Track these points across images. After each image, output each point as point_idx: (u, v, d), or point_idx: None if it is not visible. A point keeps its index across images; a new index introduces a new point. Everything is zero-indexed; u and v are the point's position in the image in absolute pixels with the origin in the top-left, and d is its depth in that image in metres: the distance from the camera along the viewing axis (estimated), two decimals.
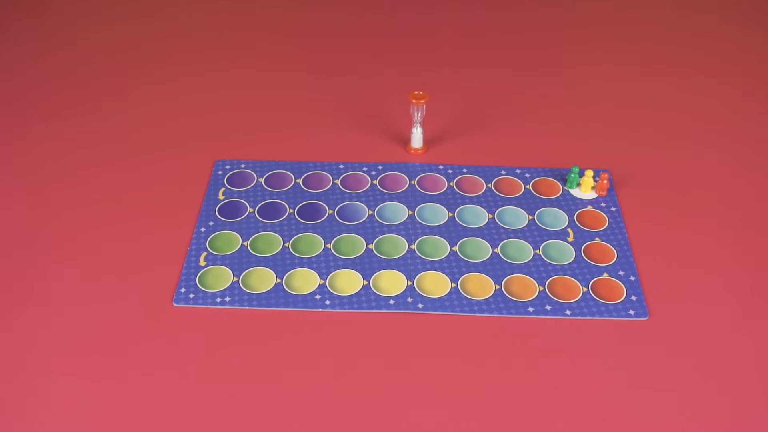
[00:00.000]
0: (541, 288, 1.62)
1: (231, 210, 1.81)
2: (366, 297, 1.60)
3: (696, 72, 2.35)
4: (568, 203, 1.83)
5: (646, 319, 1.55)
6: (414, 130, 1.95)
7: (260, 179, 1.90)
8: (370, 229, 1.76)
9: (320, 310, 1.57)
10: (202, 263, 1.67)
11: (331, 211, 1.81)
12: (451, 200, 1.84)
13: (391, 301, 1.59)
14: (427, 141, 2.01)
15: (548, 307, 1.58)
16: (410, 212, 1.81)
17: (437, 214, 1.80)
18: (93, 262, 1.67)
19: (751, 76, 2.34)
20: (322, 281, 1.63)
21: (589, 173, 1.83)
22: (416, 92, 1.89)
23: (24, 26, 2.56)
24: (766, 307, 1.59)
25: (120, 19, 2.59)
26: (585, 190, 1.85)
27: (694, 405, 1.40)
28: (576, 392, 1.42)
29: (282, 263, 1.67)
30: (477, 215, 1.80)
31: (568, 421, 1.37)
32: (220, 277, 1.64)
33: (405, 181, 1.89)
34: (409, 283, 1.63)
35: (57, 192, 1.86)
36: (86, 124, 2.09)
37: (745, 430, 1.36)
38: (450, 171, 1.92)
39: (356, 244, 1.72)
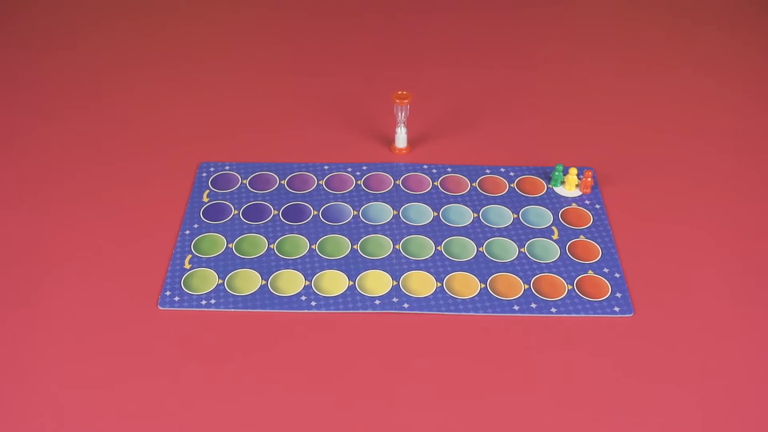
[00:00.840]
0: (527, 286, 1.62)
1: (216, 212, 1.81)
2: (352, 297, 1.59)
3: (680, 69, 2.37)
4: (553, 201, 1.84)
5: (631, 315, 1.56)
6: (398, 130, 1.95)
7: (245, 181, 1.89)
8: (355, 230, 1.76)
9: (306, 311, 1.57)
10: (187, 266, 1.67)
11: (315, 212, 1.81)
12: (435, 200, 1.84)
13: (377, 302, 1.59)
14: (411, 141, 2.01)
15: (534, 306, 1.58)
16: (395, 212, 1.81)
17: (422, 213, 1.80)
18: (77, 265, 1.67)
19: (735, 72, 2.35)
20: (307, 282, 1.63)
21: (573, 171, 1.84)
22: (400, 92, 1.89)
23: (2, 33, 2.55)
24: (750, 302, 1.60)
25: (104, 25, 2.58)
26: (569, 188, 1.85)
27: (680, 399, 1.40)
28: (562, 389, 1.42)
29: (267, 265, 1.67)
30: (462, 214, 1.80)
31: (555, 417, 1.37)
32: (206, 280, 1.64)
33: (390, 182, 1.89)
34: (395, 283, 1.63)
35: (41, 196, 1.85)
36: (70, 128, 2.08)
37: (732, 422, 1.37)
38: (434, 170, 1.92)
39: (341, 245, 1.72)
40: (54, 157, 1.97)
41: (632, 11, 2.68)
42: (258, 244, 1.72)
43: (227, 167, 1.94)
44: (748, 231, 1.77)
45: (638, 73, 2.34)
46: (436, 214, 1.80)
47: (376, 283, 1.63)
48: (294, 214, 1.80)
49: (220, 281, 1.63)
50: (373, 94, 2.21)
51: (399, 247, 1.71)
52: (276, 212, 1.81)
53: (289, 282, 1.63)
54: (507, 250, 1.71)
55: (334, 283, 1.63)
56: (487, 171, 1.92)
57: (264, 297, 1.60)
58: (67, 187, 1.87)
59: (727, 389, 1.42)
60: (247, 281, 1.63)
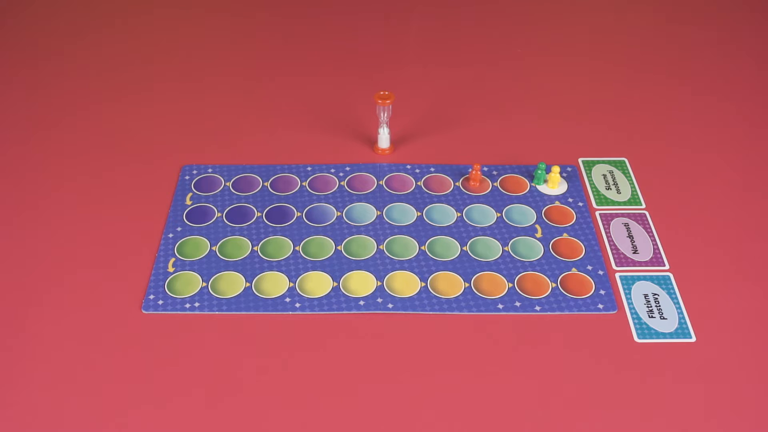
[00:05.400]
0: (511, 285, 1.62)
1: (199, 215, 1.80)
2: (336, 299, 1.59)
3: (660, 65, 2.37)
4: (536, 199, 1.84)
5: (615, 312, 1.57)
6: (381, 130, 1.95)
7: (228, 183, 1.89)
8: (339, 231, 1.76)
9: (290, 312, 1.57)
10: (171, 269, 1.66)
11: (299, 214, 1.80)
12: (419, 199, 1.84)
13: (361, 302, 1.59)
14: (394, 141, 2.01)
15: (518, 304, 1.58)
16: (378, 213, 1.81)
17: (406, 213, 1.81)
18: (60, 270, 1.66)
19: (715, 67, 2.37)
20: (291, 284, 1.63)
21: (556, 169, 1.84)
22: (382, 92, 1.89)
23: None
24: (730, 295, 1.60)
25: (81, 33, 2.57)
26: (552, 186, 1.86)
27: (663, 395, 1.41)
28: (546, 386, 1.42)
29: (251, 267, 1.67)
30: (445, 214, 1.80)
31: (541, 415, 1.38)
32: (189, 283, 1.63)
33: (373, 182, 1.89)
34: (379, 283, 1.63)
35: (23, 203, 1.84)
36: (52, 132, 2.07)
37: (716, 419, 1.38)
38: (417, 170, 1.93)
39: (325, 246, 1.72)
40: (36, 163, 1.96)
41: (614, 6, 2.69)
42: (241, 246, 1.72)
43: (210, 170, 1.93)
44: (737, 227, 1.77)
45: (620, 71, 2.35)
46: (419, 213, 1.80)
47: (360, 283, 1.63)
48: (277, 215, 1.80)
49: (204, 284, 1.63)
50: (355, 95, 2.21)
51: (383, 247, 1.71)
52: (259, 214, 1.80)
53: (273, 284, 1.63)
54: (491, 249, 1.71)
55: (318, 284, 1.63)
56: (471, 170, 1.92)
57: (248, 299, 1.59)
58: (50, 192, 1.87)
59: (709, 383, 1.43)
60: (231, 284, 1.63)
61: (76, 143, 2.03)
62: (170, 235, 1.74)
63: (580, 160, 1.95)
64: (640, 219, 1.78)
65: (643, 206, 1.82)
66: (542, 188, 1.87)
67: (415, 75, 2.33)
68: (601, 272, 1.65)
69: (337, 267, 1.67)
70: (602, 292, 1.61)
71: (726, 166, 1.95)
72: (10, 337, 1.52)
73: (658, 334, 1.51)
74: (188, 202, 1.83)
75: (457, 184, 1.88)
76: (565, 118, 2.13)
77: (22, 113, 2.15)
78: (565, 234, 1.75)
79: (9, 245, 1.72)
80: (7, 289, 1.62)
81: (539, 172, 1.86)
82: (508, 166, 1.93)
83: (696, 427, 1.36)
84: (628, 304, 1.58)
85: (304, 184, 1.89)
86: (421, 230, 1.76)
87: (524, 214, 1.80)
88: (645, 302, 1.58)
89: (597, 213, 1.80)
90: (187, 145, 2.02)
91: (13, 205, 1.83)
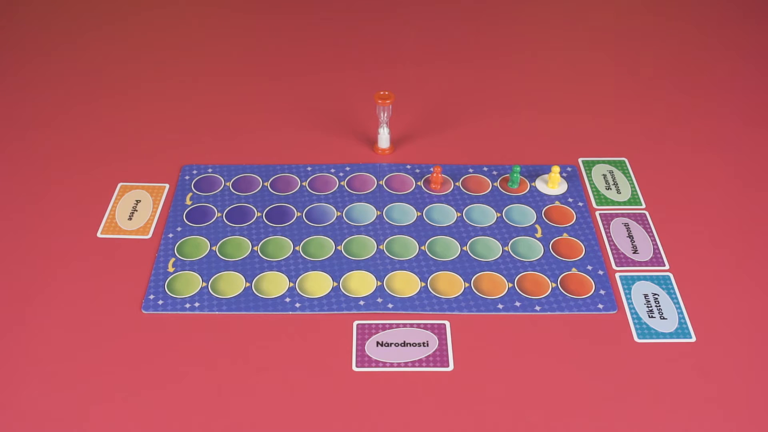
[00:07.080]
0: (511, 285, 1.62)
1: (199, 215, 1.80)
2: (336, 298, 1.59)
3: (660, 65, 2.38)
4: (536, 199, 1.84)
5: (615, 312, 1.56)
6: (381, 130, 1.95)
7: (228, 183, 1.89)
8: (339, 231, 1.76)
9: (290, 312, 1.57)
10: (171, 269, 1.66)
11: (299, 214, 1.80)
12: (419, 199, 1.84)
13: (361, 302, 1.58)
14: (394, 141, 2.01)
15: (518, 304, 1.58)
16: (378, 213, 1.81)
17: (406, 213, 1.81)
18: (60, 269, 1.66)
19: (715, 67, 2.37)
20: (291, 284, 1.63)
21: (556, 169, 1.84)
22: (382, 92, 1.89)
23: None
24: (730, 295, 1.60)
25: (81, 32, 2.57)
26: (552, 186, 1.86)
27: (663, 395, 1.41)
28: (546, 386, 1.42)
29: (251, 267, 1.67)
30: (445, 214, 1.80)
31: (540, 415, 1.38)
32: (189, 283, 1.63)
33: (373, 182, 1.89)
34: (379, 283, 1.63)
35: (22, 202, 1.84)
36: (54, 131, 2.07)
37: (716, 419, 1.38)
38: (417, 170, 1.93)
39: (325, 246, 1.72)
40: (35, 161, 1.96)
41: (614, 6, 2.70)
42: (241, 246, 1.72)
43: (210, 170, 1.93)
44: (737, 227, 1.77)
45: (620, 71, 2.35)
46: (419, 213, 1.80)
47: (360, 283, 1.63)
48: (277, 215, 1.80)
49: (204, 284, 1.63)
50: (355, 95, 2.21)
51: (383, 247, 1.71)
52: (259, 214, 1.80)
53: (273, 284, 1.63)
54: (491, 249, 1.71)
55: (318, 284, 1.63)
56: (470, 170, 1.92)
57: (248, 299, 1.59)
58: (50, 191, 1.87)
59: (713, 383, 1.43)
60: (231, 284, 1.63)
61: (75, 142, 2.03)
62: (170, 235, 1.74)
63: (580, 160, 1.96)
64: (640, 219, 1.78)
65: (643, 206, 1.82)
66: (542, 188, 1.86)
67: (415, 75, 2.33)
68: (601, 272, 1.65)
69: (337, 267, 1.67)
70: (602, 292, 1.61)
71: (726, 166, 1.96)
72: (10, 337, 1.52)
73: (658, 334, 1.51)
74: (188, 202, 1.83)
75: (457, 184, 1.88)
76: (565, 118, 2.13)
77: (21, 111, 2.15)
78: (565, 234, 1.75)
79: (7, 245, 1.72)
80: (6, 289, 1.62)
81: (514, 175, 1.85)
82: (508, 166, 1.93)
83: (696, 427, 1.36)
84: (628, 304, 1.58)
85: (304, 184, 1.89)
86: (421, 230, 1.76)
87: (524, 214, 1.80)
88: (645, 302, 1.58)
89: (597, 213, 1.80)
90: (187, 145, 2.02)
91: (12, 204, 1.83)
